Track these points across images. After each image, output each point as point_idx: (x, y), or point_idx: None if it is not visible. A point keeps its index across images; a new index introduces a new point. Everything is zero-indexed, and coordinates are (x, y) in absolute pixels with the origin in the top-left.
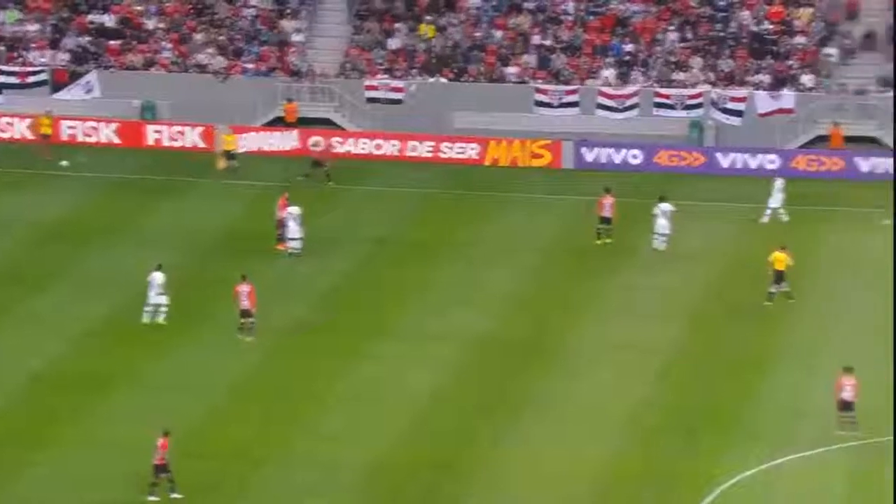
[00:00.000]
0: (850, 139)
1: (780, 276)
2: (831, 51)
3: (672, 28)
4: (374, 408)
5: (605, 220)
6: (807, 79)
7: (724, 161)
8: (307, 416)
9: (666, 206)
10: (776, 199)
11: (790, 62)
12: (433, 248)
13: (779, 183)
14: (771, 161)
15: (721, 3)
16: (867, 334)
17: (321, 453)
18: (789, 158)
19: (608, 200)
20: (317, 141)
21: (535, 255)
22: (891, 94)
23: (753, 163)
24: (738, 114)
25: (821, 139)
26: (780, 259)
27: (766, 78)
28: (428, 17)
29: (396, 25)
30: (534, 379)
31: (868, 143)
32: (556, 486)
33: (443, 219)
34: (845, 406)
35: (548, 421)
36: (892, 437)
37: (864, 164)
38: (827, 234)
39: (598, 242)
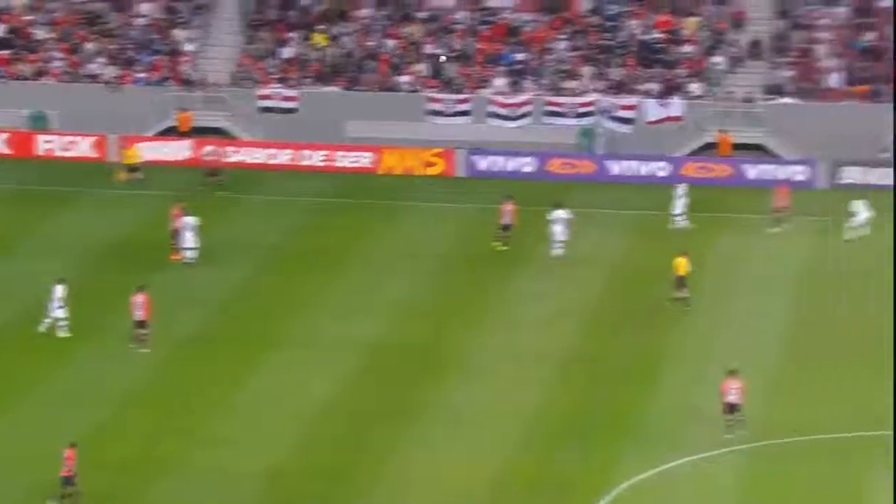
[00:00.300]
0: (737, 146)
1: (681, 282)
2: (718, 59)
3: (562, 37)
4: (271, 416)
5: (506, 227)
6: (695, 87)
7: (615, 168)
8: (203, 425)
9: (561, 213)
10: (678, 206)
11: (678, 70)
12: (330, 256)
13: (680, 189)
14: (661, 168)
15: (610, 12)
16: (755, 339)
17: (217, 462)
18: (679, 165)
19: (509, 207)
20: (210, 151)
21: (431, 263)
22: (777, 101)
23: (644, 170)
24: (628, 122)
25: (709, 146)
26: (682, 264)
27: (655, 86)
28: (320, 27)
29: (289, 35)
30: (431, 385)
31: (755, 151)
32: (453, 492)
33: (339, 227)
34: (731, 409)
35: (445, 427)
36: (785, 440)
37: (752, 171)
38: (715, 239)
39: (499, 248)
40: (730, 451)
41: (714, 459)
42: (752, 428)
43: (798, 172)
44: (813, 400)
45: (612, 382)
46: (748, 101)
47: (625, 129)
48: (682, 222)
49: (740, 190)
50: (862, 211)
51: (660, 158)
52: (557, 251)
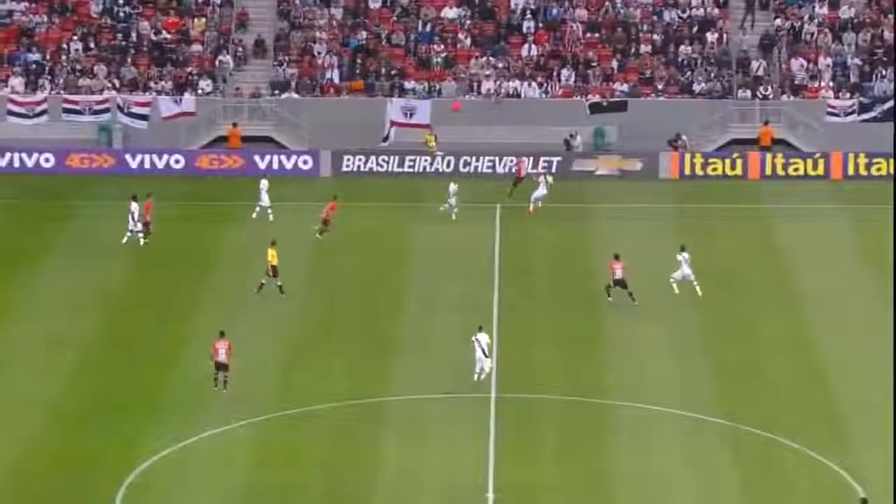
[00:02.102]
0: (247, 139)
1: (274, 271)
2: (225, 58)
3: (76, 38)
4: None
5: (146, 224)
6: (205, 84)
7: (133, 162)
8: None
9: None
10: (264, 199)
11: (189, 69)
12: None
13: (263, 183)
14: (177, 161)
15: (121, 14)
16: (273, 316)
17: None
18: (193, 158)
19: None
20: None
21: None
22: (282, 96)
23: (160, 163)
24: (144, 118)
25: (221, 139)
26: (273, 255)
27: (168, 84)
28: None
29: None
30: None
31: (264, 142)
32: None
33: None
34: (220, 367)
35: None
36: (299, 409)
37: (262, 162)
38: (222, 228)
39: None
40: (245, 424)
41: (230, 432)
42: (270, 400)
43: (304, 162)
44: (326, 373)
45: (134, 364)
46: (255, 96)
47: (141, 124)
48: (269, 215)
49: (252, 180)
50: (453, 193)
51: (175, 151)
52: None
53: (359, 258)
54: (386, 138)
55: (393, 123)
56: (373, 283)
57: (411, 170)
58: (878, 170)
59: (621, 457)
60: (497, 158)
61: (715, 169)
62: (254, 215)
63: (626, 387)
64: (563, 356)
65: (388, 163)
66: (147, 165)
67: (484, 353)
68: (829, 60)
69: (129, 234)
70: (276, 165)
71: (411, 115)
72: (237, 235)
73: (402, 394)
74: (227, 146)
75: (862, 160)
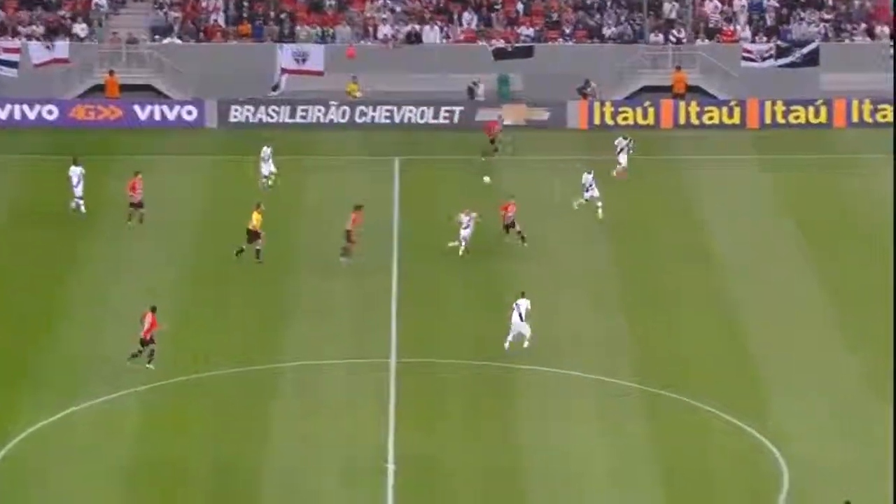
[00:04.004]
0: (126, 88)
1: (254, 235)
2: (101, 1)
3: None
4: None
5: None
6: (79, 28)
7: (2, 112)
8: None
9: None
10: (267, 167)
11: (62, 12)
12: None
13: (266, 151)
14: (49, 111)
15: None
16: (154, 282)
17: None
18: (67, 108)
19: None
20: None
21: None
22: (164, 41)
23: (31, 113)
24: (13, 65)
25: (98, 88)
26: (257, 219)
27: (39, 28)
28: None
29: None
30: None
31: (144, 91)
32: None
33: None
34: (145, 342)
35: None
36: (201, 375)
37: (142, 112)
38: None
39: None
40: (129, 393)
41: (116, 401)
42: (156, 368)
43: (187, 112)
44: (217, 339)
45: (6, 333)
46: (133, 42)
47: (9, 72)
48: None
49: (131, 131)
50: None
51: (48, 101)
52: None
53: (249, 215)
54: (276, 87)
55: (283, 71)
56: (265, 241)
57: (304, 120)
58: (797, 118)
59: (529, 423)
60: (395, 108)
61: (626, 118)
62: (268, 186)
63: (533, 350)
64: (468, 319)
65: (278, 113)
66: (17, 116)
67: (520, 317)
68: (745, 2)
69: (75, 201)
70: (157, 116)
71: (303, 61)
72: (117, 190)
73: (298, 360)
74: (105, 96)
75: (780, 108)
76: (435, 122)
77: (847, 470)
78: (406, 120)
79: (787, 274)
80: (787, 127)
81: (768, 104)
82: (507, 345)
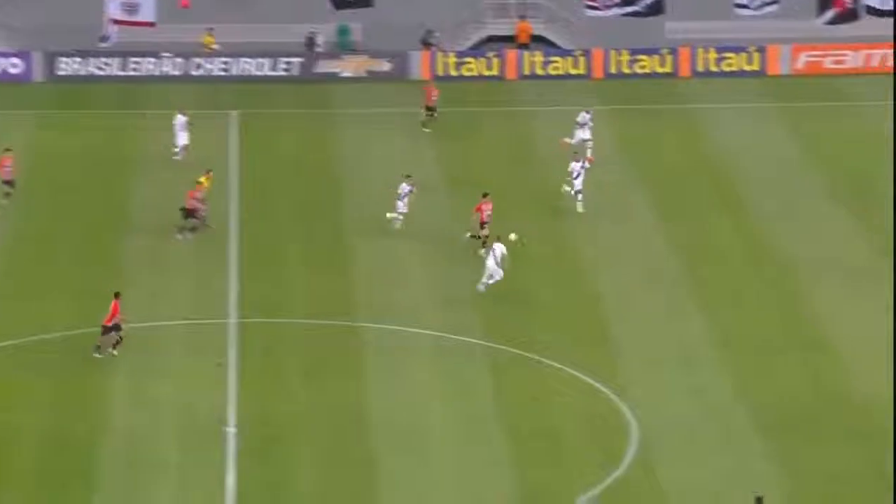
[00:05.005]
0: None
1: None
2: None
3: None
4: None
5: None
6: None
7: None
8: None
9: None
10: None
11: None
12: None
13: (180, 119)
14: None
15: None
16: None
17: None
18: None
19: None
20: None
21: None
22: None
23: None
24: None
25: None
26: (205, 180)
27: None
28: None
29: None
30: None
31: None
32: None
33: None
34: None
35: None
36: (31, 339)
37: None
38: None
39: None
40: None
41: None
42: None
43: (12, 65)
44: (47, 300)
45: None
46: None
47: None
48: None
49: None
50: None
51: None
52: None
53: (80, 172)
54: (105, 38)
55: (113, 21)
56: (96, 200)
57: (136, 73)
58: (642, 67)
59: (373, 381)
60: (232, 60)
61: (470, 69)
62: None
63: (376, 307)
64: (309, 277)
65: (109, 66)
66: None
67: (496, 263)
68: None
69: None
70: None
71: (133, 11)
72: None
73: (133, 321)
74: None
75: (625, 57)
76: (273, 73)
77: (693, 426)
78: (243, 72)
79: (634, 229)
80: (633, 77)
81: (613, 54)
82: (481, 286)
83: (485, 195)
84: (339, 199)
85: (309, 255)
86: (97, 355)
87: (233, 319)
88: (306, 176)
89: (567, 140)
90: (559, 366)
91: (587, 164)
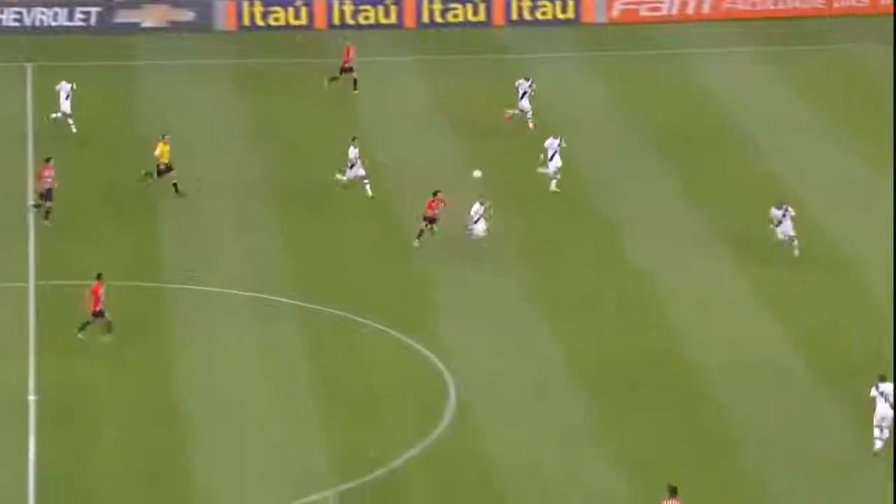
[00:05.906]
0: None
1: (167, 168)
2: None
3: None
4: None
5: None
6: None
7: None
8: None
9: None
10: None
11: None
12: None
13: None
14: None
15: None
16: None
17: None
18: None
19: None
20: None
21: None
22: None
23: None
24: None
25: None
26: (163, 150)
27: None
28: None
29: None
30: None
31: None
32: None
33: None
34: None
35: None
36: None
37: None
38: None
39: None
40: None
41: None
42: None
43: None
44: None
45: None
46: None
47: None
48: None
49: None
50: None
51: None
52: None
53: None
54: None
55: None
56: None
57: None
58: (455, 16)
59: (182, 343)
60: (25, 10)
61: (277, 19)
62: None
63: (186, 268)
64: (116, 236)
65: None
66: None
67: (473, 220)
68: None
69: None
70: None
71: None
72: None
73: None
74: None
75: (437, 6)
76: (70, 24)
77: (509, 384)
78: (38, 23)
79: (455, 189)
80: (446, 26)
81: (425, 3)
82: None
83: (435, 194)
84: (143, 155)
85: (115, 215)
86: (81, 337)
87: (32, 283)
88: (108, 131)
89: (509, 112)
90: (378, 327)
91: (562, 142)
